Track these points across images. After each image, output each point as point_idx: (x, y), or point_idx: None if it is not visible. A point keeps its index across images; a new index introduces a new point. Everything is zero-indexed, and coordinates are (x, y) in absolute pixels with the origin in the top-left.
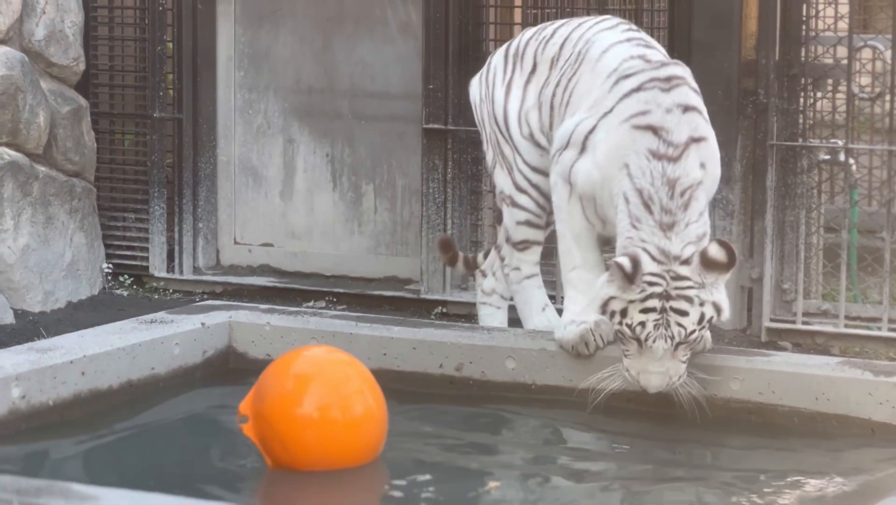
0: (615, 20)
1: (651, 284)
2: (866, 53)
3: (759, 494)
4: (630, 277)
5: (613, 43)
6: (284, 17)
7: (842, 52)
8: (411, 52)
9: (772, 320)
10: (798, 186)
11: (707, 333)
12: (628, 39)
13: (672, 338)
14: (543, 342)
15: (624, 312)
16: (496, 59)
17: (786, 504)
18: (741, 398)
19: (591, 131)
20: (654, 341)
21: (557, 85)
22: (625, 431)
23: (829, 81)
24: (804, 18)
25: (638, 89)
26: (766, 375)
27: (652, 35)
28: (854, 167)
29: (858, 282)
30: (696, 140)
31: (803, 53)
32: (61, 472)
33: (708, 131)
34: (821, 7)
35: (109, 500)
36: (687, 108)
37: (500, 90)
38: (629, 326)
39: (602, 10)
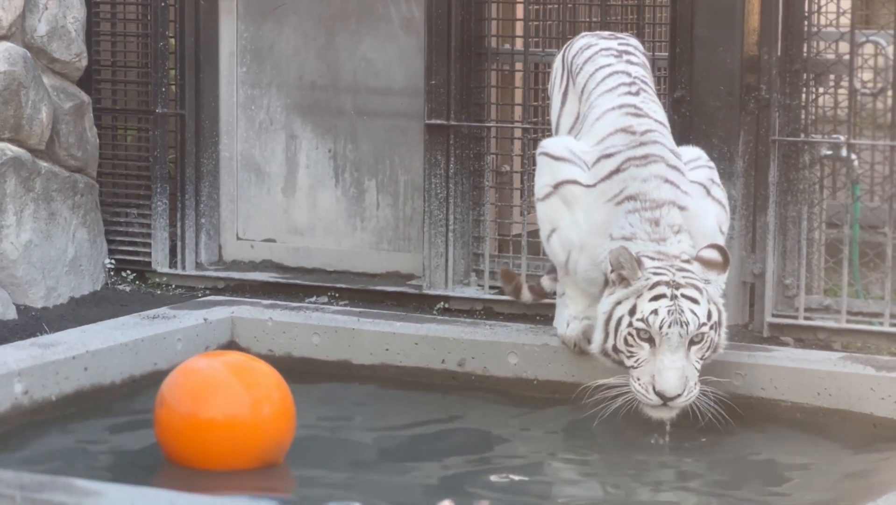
0: (622, 72)
1: (656, 273)
2: (868, 49)
3: (762, 490)
4: (638, 260)
5: (606, 110)
6: (287, 13)
7: (844, 47)
8: (414, 48)
9: (774, 316)
10: (800, 182)
11: (717, 338)
12: (620, 106)
13: (687, 324)
14: (546, 337)
15: (633, 310)
16: (556, 62)
17: (788, 500)
18: (743, 394)
19: (570, 182)
20: (669, 327)
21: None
22: (625, 428)
23: (832, 77)
24: (806, 14)
25: (616, 171)
26: (768, 370)
27: (654, 31)
28: (856, 163)
29: (860, 277)
30: (680, 207)
31: (805, 49)
32: (64, 467)
33: (691, 203)
34: (823, 2)
35: (112, 495)
36: (666, 180)
37: (557, 97)
38: (642, 320)
39: (604, 5)
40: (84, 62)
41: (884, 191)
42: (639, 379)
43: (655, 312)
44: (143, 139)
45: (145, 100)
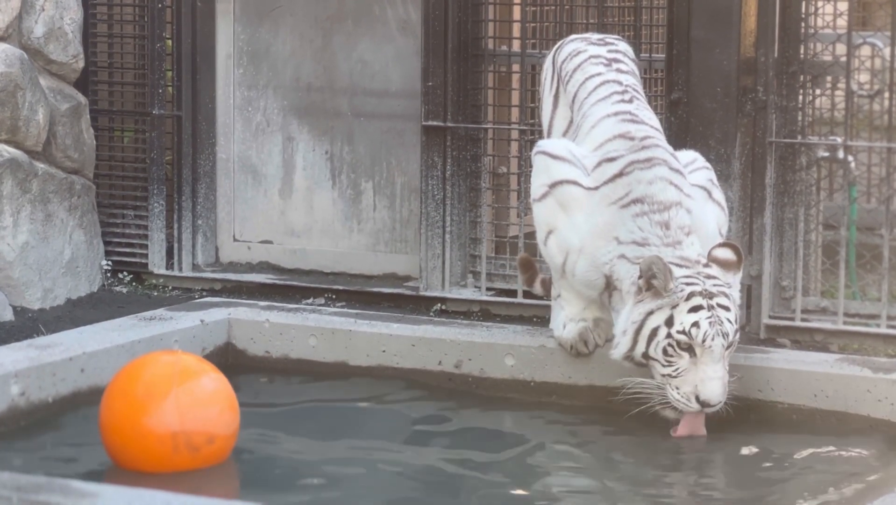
0: (613, 81)
1: (688, 284)
2: (865, 51)
3: (758, 491)
4: (670, 271)
5: (601, 117)
6: (284, 14)
7: (841, 49)
8: (410, 49)
9: (771, 317)
10: (797, 184)
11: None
12: (616, 113)
13: (727, 335)
14: (542, 339)
15: (670, 321)
16: (546, 63)
17: (785, 501)
18: (740, 395)
19: (569, 182)
20: (712, 339)
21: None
22: (621, 430)
23: (828, 79)
24: (803, 16)
25: (620, 174)
26: (764, 372)
27: (651, 33)
28: (853, 164)
29: (857, 279)
30: (687, 210)
31: (802, 51)
32: (61, 469)
33: (694, 206)
34: (820, 4)
35: (108, 496)
36: (671, 183)
37: (548, 99)
38: (682, 332)
39: (601, 7)
40: (81, 64)
41: (880, 192)
42: (678, 388)
43: (696, 324)
44: (139, 141)
45: (142, 101)
